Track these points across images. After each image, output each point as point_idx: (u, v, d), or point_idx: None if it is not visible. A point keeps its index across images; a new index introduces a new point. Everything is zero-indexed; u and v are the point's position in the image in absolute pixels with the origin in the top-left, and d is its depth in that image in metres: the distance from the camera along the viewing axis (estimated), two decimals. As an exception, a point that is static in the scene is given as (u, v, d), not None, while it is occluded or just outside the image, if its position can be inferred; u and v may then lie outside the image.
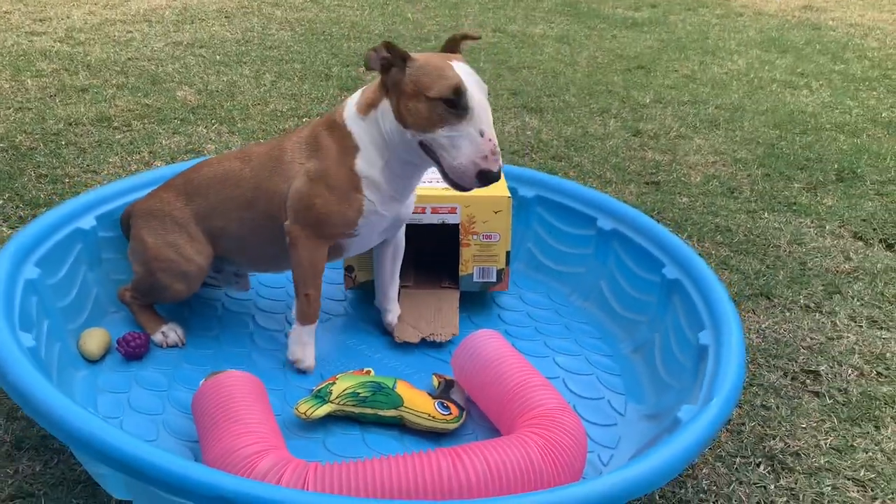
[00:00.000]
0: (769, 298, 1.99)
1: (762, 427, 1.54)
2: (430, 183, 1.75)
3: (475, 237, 1.75)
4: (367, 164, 1.47)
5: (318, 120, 1.56)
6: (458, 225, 1.74)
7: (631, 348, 1.74)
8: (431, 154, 1.38)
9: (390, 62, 1.39)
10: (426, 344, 1.71)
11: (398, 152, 1.45)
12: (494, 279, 1.80)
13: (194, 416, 1.33)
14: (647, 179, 2.66)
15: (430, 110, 1.34)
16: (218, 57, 3.79)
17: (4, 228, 2.07)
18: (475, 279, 1.80)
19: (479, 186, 1.34)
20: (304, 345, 1.58)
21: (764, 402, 1.61)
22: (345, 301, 1.87)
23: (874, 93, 3.78)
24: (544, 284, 1.97)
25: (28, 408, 1.12)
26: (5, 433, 1.38)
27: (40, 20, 4.25)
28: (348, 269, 1.80)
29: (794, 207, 2.50)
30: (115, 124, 2.84)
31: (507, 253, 1.78)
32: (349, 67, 3.72)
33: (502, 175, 1.50)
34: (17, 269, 1.45)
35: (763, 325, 1.87)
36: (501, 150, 2.78)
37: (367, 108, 1.47)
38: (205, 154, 2.62)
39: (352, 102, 1.50)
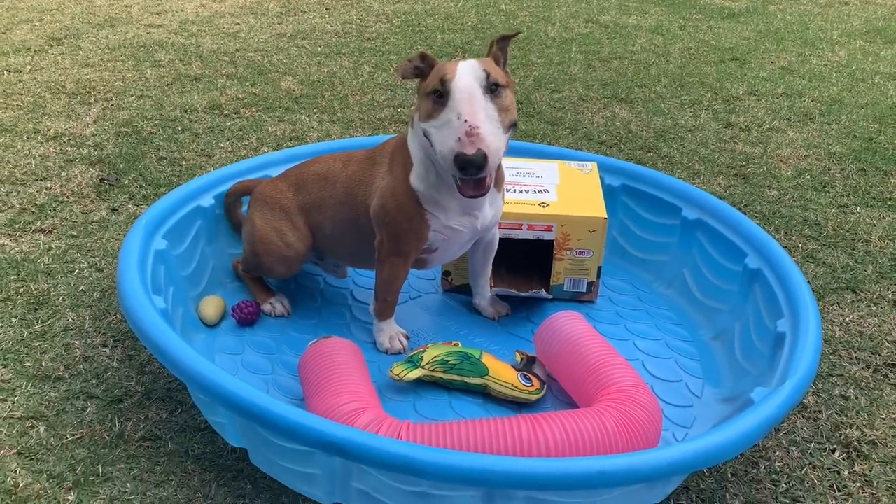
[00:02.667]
0: (855, 292, 1.99)
1: (839, 416, 1.57)
2: (526, 193, 1.84)
3: (569, 252, 1.82)
4: (419, 179, 1.51)
5: (402, 133, 1.61)
6: (552, 241, 1.82)
7: (711, 335, 1.78)
8: None
9: (423, 71, 1.45)
10: (510, 323, 1.81)
11: (435, 161, 1.45)
12: (584, 290, 1.88)
13: (300, 376, 1.47)
14: (737, 172, 2.67)
15: (426, 104, 1.39)
16: (319, 48, 3.97)
17: (130, 206, 2.29)
18: (565, 289, 1.88)
19: (465, 177, 1.32)
20: (388, 335, 1.70)
21: (843, 393, 1.64)
22: (434, 279, 1.98)
23: None
24: (627, 272, 2.04)
25: (164, 360, 1.29)
26: (137, 384, 1.57)
27: (157, 13, 4.55)
28: (445, 274, 1.91)
29: (890, 203, 2.46)
30: (226, 112, 3.05)
31: (599, 268, 1.84)
32: (443, 59, 3.84)
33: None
34: (148, 240, 1.63)
35: (847, 319, 1.88)
36: (589, 139, 2.86)
37: (412, 120, 1.53)
38: (308, 141, 2.79)
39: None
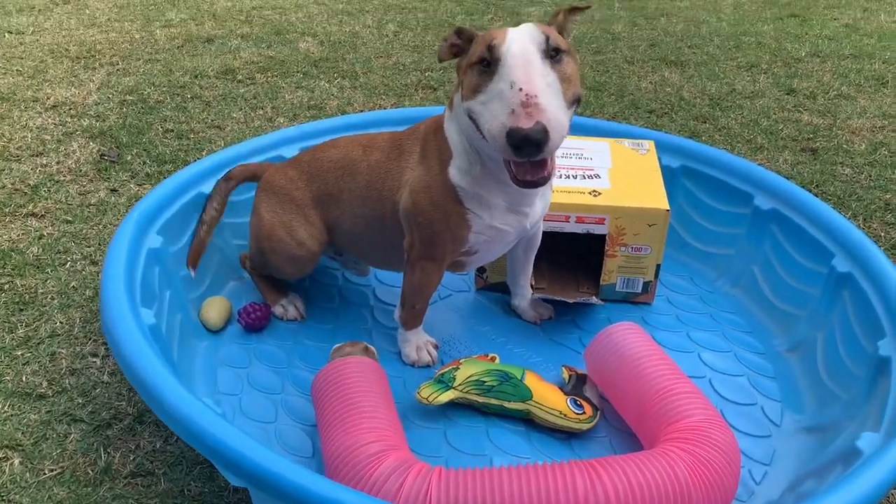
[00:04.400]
0: (952, 293, 1.73)
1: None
2: (573, 178, 1.59)
3: (623, 249, 1.58)
4: (460, 172, 1.27)
5: (436, 116, 1.37)
6: (604, 235, 1.58)
7: (786, 346, 1.54)
8: None
9: (462, 48, 1.21)
10: (554, 328, 1.59)
11: (482, 149, 1.23)
12: (639, 290, 1.64)
13: (314, 401, 1.26)
14: (804, 146, 2.39)
15: (470, 78, 1.14)
16: (341, 6, 3.70)
17: (132, 186, 2.08)
18: (618, 289, 1.64)
19: (520, 160, 1.06)
20: (416, 346, 1.48)
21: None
22: (467, 276, 1.76)
23: None
24: (687, 266, 1.79)
25: (149, 401, 1.08)
26: (128, 405, 1.37)
27: (170, -32, 4.29)
28: (480, 270, 1.68)
29: (982, 183, 2.18)
30: (239, 77, 2.81)
31: (658, 266, 1.60)
32: (474, 16, 3.55)
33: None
34: (140, 239, 1.41)
35: (945, 326, 1.62)
36: (637, 107, 2.58)
37: (451, 101, 1.29)
38: (327, 110, 2.55)
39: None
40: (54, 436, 1.30)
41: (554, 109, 1.06)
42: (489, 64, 1.11)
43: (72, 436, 1.30)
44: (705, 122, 2.53)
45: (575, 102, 1.15)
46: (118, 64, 2.89)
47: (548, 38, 1.11)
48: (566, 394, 1.35)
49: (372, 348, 1.36)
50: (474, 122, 1.16)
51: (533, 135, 1.02)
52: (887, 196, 2.10)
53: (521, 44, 1.10)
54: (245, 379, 1.42)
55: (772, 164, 2.26)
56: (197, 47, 3.09)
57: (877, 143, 2.41)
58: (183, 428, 0.99)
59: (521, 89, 1.05)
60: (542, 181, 1.13)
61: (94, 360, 1.47)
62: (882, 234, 1.94)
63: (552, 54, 1.11)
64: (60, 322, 1.56)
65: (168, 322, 1.41)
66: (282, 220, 1.49)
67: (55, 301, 1.62)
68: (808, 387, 1.44)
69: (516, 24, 1.17)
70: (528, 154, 1.05)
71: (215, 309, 1.54)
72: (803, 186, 2.14)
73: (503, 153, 1.08)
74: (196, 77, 2.79)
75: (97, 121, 2.43)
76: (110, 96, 2.61)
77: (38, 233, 1.85)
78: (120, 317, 1.17)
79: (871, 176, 2.21)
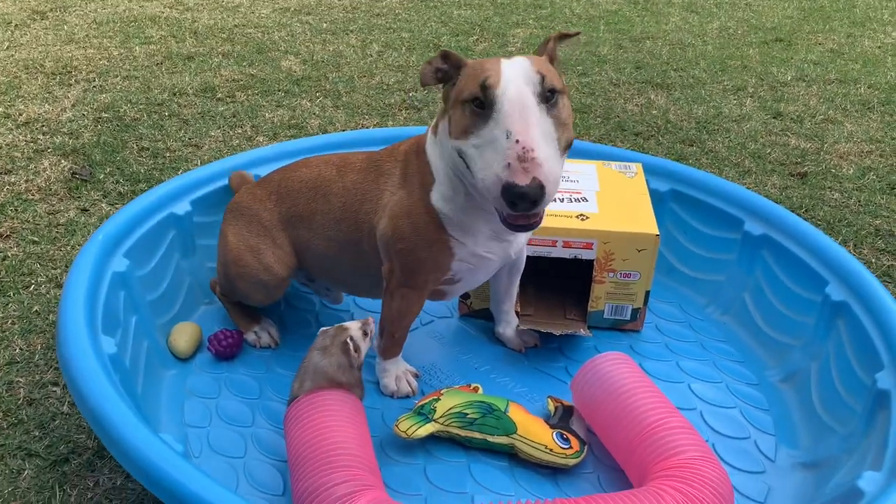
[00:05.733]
0: (946, 322, 1.68)
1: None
2: (560, 202, 1.55)
3: (611, 275, 1.53)
4: (443, 198, 1.22)
5: (418, 136, 1.31)
6: (592, 260, 1.53)
7: (779, 377, 1.49)
8: None
9: (448, 74, 1.15)
10: (539, 357, 1.52)
11: (468, 180, 1.16)
12: (628, 318, 1.58)
13: (286, 435, 1.19)
14: (792, 170, 2.35)
15: (461, 116, 1.09)
16: (325, 24, 3.66)
17: (104, 205, 2.00)
18: (605, 316, 1.58)
19: (515, 213, 1.02)
20: (394, 376, 1.41)
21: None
22: (450, 301, 1.69)
23: None
24: (676, 292, 1.74)
25: (103, 437, 1.00)
26: (88, 438, 1.29)
27: (153, -15, 4.24)
28: (463, 296, 1.62)
29: (971, 209, 2.15)
30: (219, 95, 2.75)
31: (647, 293, 1.55)
32: (459, 37, 3.52)
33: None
34: (105, 262, 1.34)
35: (940, 355, 1.57)
36: (623, 130, 2.54)
37: (435, 126, 1.23)
38: (308, 130, 2.49)
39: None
40: (6, 472, 1.22)
41: (550, 163, 1.01)
42: (483, 105, 1.05)
43: (26, 472, 1.22)
44: (692, 146, 2.49)
45: (568, 148, 1.09)
46: (95, 80, 2.82)
47: (543, 79, 1.04)
48: (552, 427, 1.29)
49: (371, 326, 1.30)
50: (465, 162, 1.10)
51: (530, 193, 0.98)
52: (877, 221, 2.07)
53: (516, 86, 1.03)
54: (214, 410, 1.34)
55: (760, 188, 2.23)
56: (177, 64, 3.03)
57: (865, 167, 2.38)
58: (138, 468, 0.92)
59: (517, 141, 0.99)
60: (535, 225, 1.07)
61: (55, 389, 1.39)
62: (873, 259, 1.90)
63: (548, 96, 1.05)
64: (20, 348, 1.48)
65: (133, 350, 1.34)
66: (248, 244, 1.42)
67: (16, 326, 1.54)
68: (802, 419, 1.39)
69: (502, 47, 1.12)
70: (523, 209, 1.01)
71: (184, 336, 1.47)
72: (792, 211, 2.10)
73: (496, 205, 1.04)
74: (175, 94, 2.73)
75: (70, 138, 2.35)
76: (85, 113, 2.54)
77: (1, 254, 1.77)
78: (77, 346, 1.10)
79: (860, 201, 2.18)
